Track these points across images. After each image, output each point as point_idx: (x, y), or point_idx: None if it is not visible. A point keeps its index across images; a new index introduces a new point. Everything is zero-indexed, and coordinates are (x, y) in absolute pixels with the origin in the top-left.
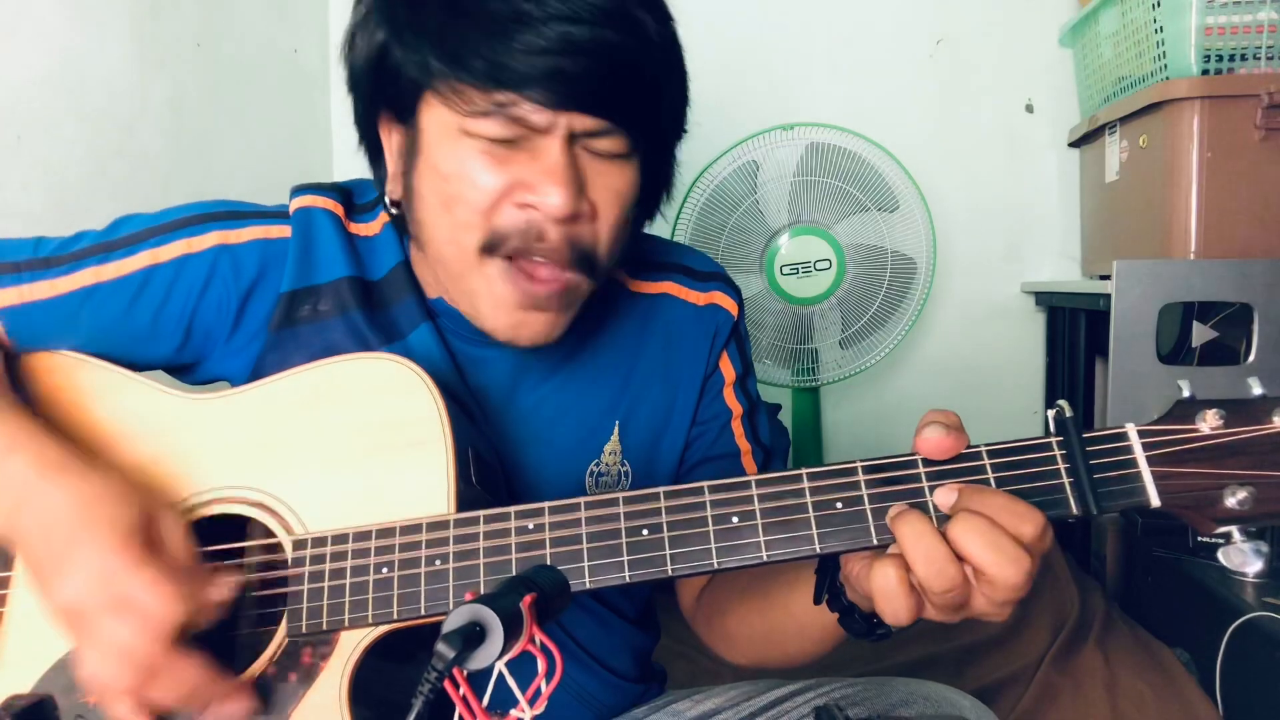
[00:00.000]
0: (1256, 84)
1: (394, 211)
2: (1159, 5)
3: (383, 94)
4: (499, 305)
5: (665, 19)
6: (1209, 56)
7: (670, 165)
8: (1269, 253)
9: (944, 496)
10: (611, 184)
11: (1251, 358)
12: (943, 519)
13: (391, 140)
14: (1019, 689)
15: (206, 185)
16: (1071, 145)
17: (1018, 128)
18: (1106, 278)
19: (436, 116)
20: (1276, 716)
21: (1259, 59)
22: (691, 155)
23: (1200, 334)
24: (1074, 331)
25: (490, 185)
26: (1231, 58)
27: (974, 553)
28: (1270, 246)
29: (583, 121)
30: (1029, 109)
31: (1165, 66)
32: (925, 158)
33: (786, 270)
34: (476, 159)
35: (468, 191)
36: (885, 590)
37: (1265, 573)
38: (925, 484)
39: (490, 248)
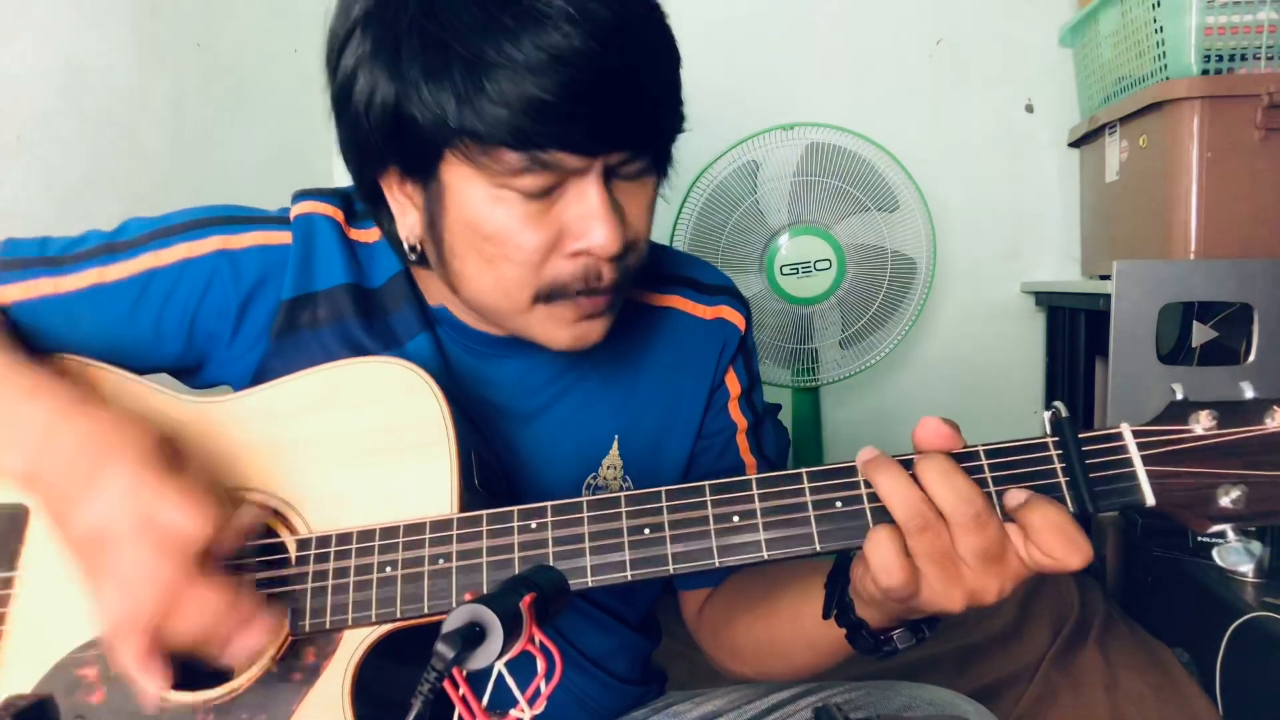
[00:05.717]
0: (1256, 84)
1: (413, 257)
2: (1159, 5)
3: (392, 152)
4: (559, 326)
5: (662, 18)
6: (1209, 56)
7: (670, 160)
8: (1269, 253)
9: (1014, 497)
10: (643, 202)
11: (1251, 358)
12: (1007, 519)
13: (400, 191)
14: (1019, 689)
15: (206, 185)
16: (1071, 145)
17: (1018, 128)
18: (1106, 278)
19: (461, 174)
20: (1276, 716)
21: (1259, 59)
22: (691, 155)
23: (1200, 334)
24: (1074, 331)
25: (536, 243)
26: (1231, 58)
27: (933, 490)
28: (1270, 246)
29: (617, 156)
30: (1029, 109)
31: (1165, 66)
32: (925, 158)
33: (786, 270)
34: (517, 219)
35: (514, 253)
36: (877, 549)
37: (1262, 572)
38: None
39: (547, 297)
